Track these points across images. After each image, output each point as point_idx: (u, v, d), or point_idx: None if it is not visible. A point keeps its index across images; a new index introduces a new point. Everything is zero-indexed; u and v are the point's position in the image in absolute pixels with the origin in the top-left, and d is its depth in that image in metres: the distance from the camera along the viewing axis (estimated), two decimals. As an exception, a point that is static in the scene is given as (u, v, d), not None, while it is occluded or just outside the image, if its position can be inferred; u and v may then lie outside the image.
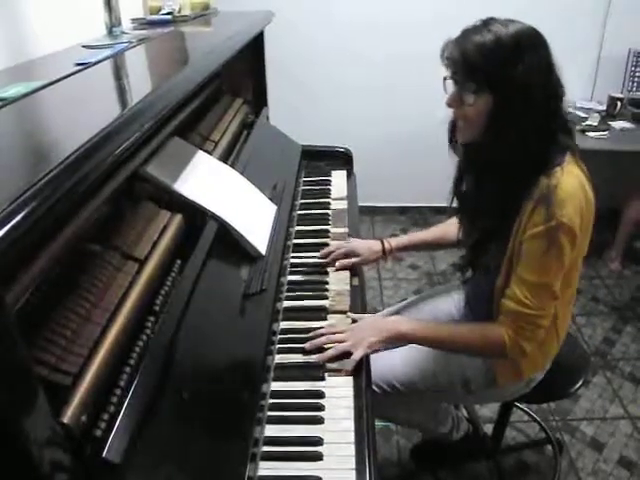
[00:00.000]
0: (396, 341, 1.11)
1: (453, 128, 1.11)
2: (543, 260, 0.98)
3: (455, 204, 1.21)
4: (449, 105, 1.04)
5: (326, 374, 1.01)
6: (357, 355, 1.02)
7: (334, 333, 1.08)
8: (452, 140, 1.14)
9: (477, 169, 1.11)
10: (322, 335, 1.07)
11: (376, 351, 1.07)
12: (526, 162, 0.99)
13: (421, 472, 1.68)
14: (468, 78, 0.97)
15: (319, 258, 1.35)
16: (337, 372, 1.01)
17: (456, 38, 0.98)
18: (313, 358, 1.04)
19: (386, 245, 1.39)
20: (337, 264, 1.33)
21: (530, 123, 0.96)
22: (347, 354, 1.03)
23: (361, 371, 1.02)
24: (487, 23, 0.96)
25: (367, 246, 1.38)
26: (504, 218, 1.04)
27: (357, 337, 1.05)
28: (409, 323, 1.12)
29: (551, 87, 0.97)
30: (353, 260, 1.34)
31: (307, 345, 1.06)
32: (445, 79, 1.03)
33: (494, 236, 1.09)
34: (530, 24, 0.97)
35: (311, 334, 1.08)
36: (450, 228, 1.39)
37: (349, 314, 1.17)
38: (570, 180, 0.97)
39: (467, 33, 0.97)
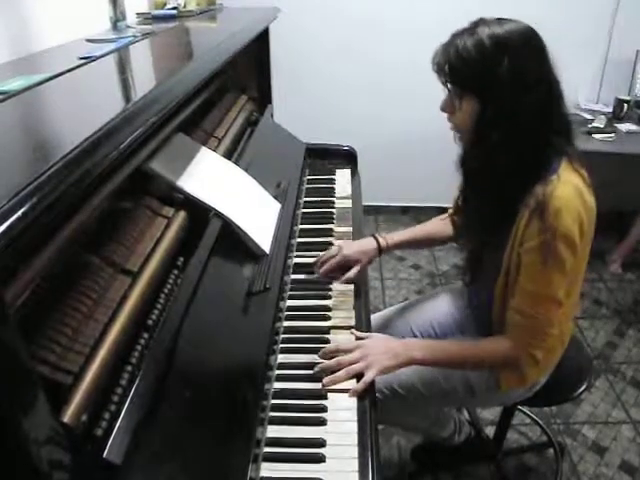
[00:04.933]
0: (407, 365, 1.05)
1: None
2: (544, 272, 0.97)
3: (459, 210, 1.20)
4: (442, 109, 1.03)
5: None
6: (369, 377, 0.96)
7: (344, 351, 1.01)
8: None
9: (472, 177, 1.08)
10: (331, 356, 1.01)
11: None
12: (518, 169, 0.96)
13: (422, 473, 1.67)
14: (452, 82, 0.96)
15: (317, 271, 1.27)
16: (344, 392, 0.96)
17: (443, 43, 0.97)
18: (324, 381, 0.97)
19: (381, 242, 1.32)
20: (343, 279, 1.24)
21: (519, 125, 0.93)
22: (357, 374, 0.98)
23: (368, 391, 0.98)
24: (474, 25, 0.95)
25: (360, 250, 1.29)
26: (500, 228, 1.03)
27: (370, 358, 0.99)
28: (421, 349, 1.06)
29: (543, 87, 0.94)
30: (354, 271, 1.25)
31: (316, 369, 0.99)
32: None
33: (491, 246, 1.07)
34: (526, 23, 0.95)
35: (319, 355, 1.02)
36: (436, 225, 1.39)
37: (353, 331, 1.10)
38: (565, 188, 0.94)
39: (452, 37, 0.96)
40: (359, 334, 1.09)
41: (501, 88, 0.92)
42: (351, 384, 0.97)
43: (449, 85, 0.98)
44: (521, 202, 0.97)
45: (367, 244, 1.32)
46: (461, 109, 0.97)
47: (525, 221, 0.97)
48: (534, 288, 0.99)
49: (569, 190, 0.94)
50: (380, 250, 1.32)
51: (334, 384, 0.97)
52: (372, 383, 0.99)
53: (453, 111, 1.00)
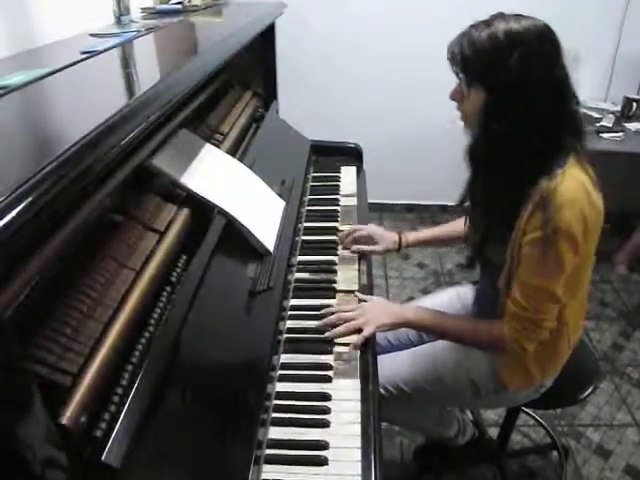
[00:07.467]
0: (402, 327, 1.17)
1: None
2: (541, 265, 0.97)
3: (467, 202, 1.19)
4: (451, 98, 1.05)
5: (332, 375, 0.99)
6: (367, 332, 1.06)
7: (345, 312, 1.11)
8: None
9: (478, 166, 1.09)
10: (333, 313, 1.11)
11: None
12: (522, 162, 0.97)
13: (424, 474, 1.66)
14: (462, 71, 0.99)
15: (338, 241, 1.40)
16: (345, 346, 1.05)
17: (460, 33, 0.99)
18: (325, 335, 1.07)
19: (403, 240, 1.41)
20: (354, 248, 1.36)
21: (522, 120, 0.94)
22: (356, 330, 1.08)
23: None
24: (492, 18, 0.97)
25: (383, 235, 1.41)
26: (504, 217, 1.03)
27: (367, 315, 1.09)
28: (416, 312, 1.16)
29: (551, 85, 0.94)
30: (371, 248, 1.38)
31: (318, 323, 1.09)
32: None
33: (495, 235, 1.08)
34: (543, 21, 0.96)
35: (322, 312, 1.12)
36: (458, 224, 1.39)
37: (357, 294, 1.20)
38: (570, 184, 0.94)
39: (469, 28, 0.98)
40: (361, 296, 1.19)
41: (508, 82, 0.93)
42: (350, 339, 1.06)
43: (459, 74, 1.00)
44: (526, 195, 0.98)
45: (390, 233, 1.43)
46: (469, 98, 1.00)
47: (528, 213, 0.97)
48: (530, 280, 0.99)
49: (574, 186, 0.94)
50: (400, 245, 1.41)
51: (335, 337, 1.06)
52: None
53: (462, 99, 1.02)
